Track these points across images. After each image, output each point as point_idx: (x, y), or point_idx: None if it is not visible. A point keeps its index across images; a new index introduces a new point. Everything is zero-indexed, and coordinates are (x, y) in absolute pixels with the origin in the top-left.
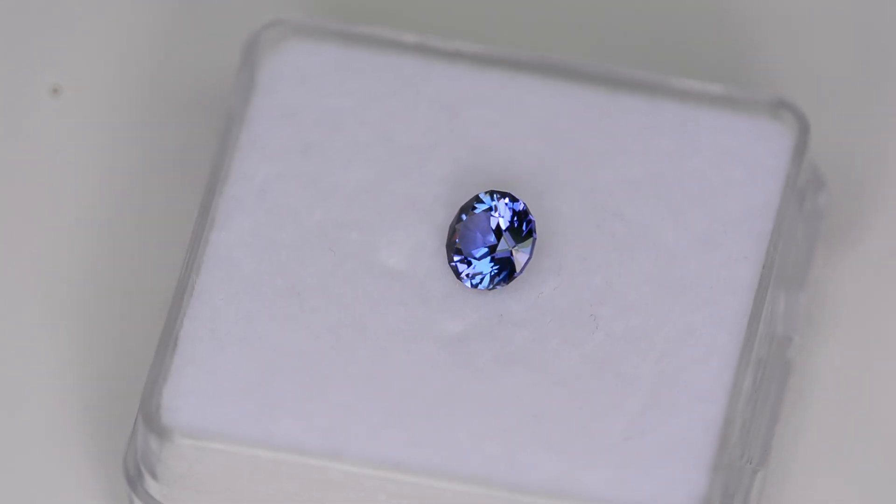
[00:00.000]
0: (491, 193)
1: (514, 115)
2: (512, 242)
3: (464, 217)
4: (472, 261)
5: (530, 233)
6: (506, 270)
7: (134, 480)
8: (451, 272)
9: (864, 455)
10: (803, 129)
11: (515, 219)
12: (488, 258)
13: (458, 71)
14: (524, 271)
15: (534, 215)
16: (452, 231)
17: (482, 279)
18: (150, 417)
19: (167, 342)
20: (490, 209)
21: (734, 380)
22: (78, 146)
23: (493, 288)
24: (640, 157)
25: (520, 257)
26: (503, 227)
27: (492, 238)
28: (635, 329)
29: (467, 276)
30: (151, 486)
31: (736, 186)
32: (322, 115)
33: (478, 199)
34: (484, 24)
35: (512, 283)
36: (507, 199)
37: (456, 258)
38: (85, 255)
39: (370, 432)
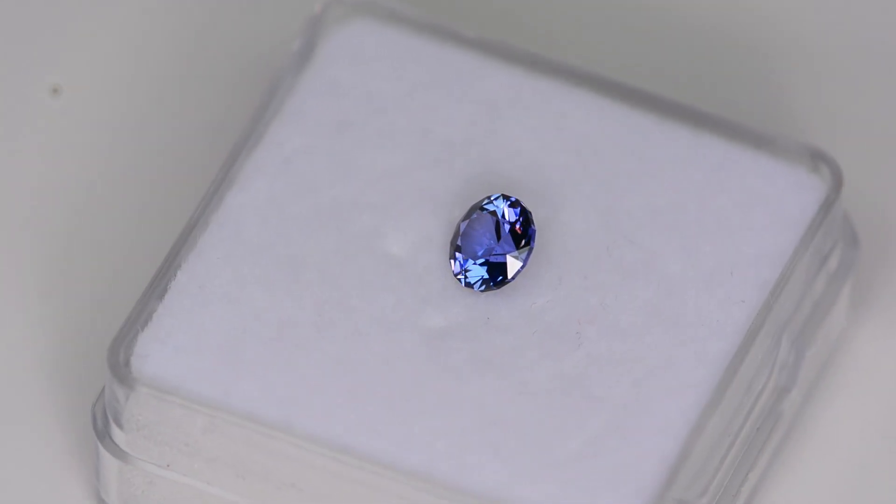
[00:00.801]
0: (501, 197)
1: (554, 125)
2: (509, 248)
3: (474, 216)
4: (469, 260)
5: (528, 241)
6: (499, 275)
7: (100, 428)
8: (450, 269)
9: None
10: (836, 184)
11: (518, 226)
12: (483, 260)
13: (510, 74)
14: (523, 279)
15: (544, 226)
16: (458, 229)
17: (475, 280)
18: (117, 363)
19: (153, 291)
20: (496, 212)
21: (699, 418)
22: (78, 146)
23: (484, 290)
24: (668, 186)
25: (514, 264)
26: (504, 232)
27: (491, 241)
28: (617, 353)
29: (462, 274)
30: (116, 433)
31: (756, 231)
32: (367, 96)
33: (488, 201)
34: (546, 35)
35: (508, 289)
36: (514, 205)
37: (456, 256)
38: (84, 255)
39: (325, 411)
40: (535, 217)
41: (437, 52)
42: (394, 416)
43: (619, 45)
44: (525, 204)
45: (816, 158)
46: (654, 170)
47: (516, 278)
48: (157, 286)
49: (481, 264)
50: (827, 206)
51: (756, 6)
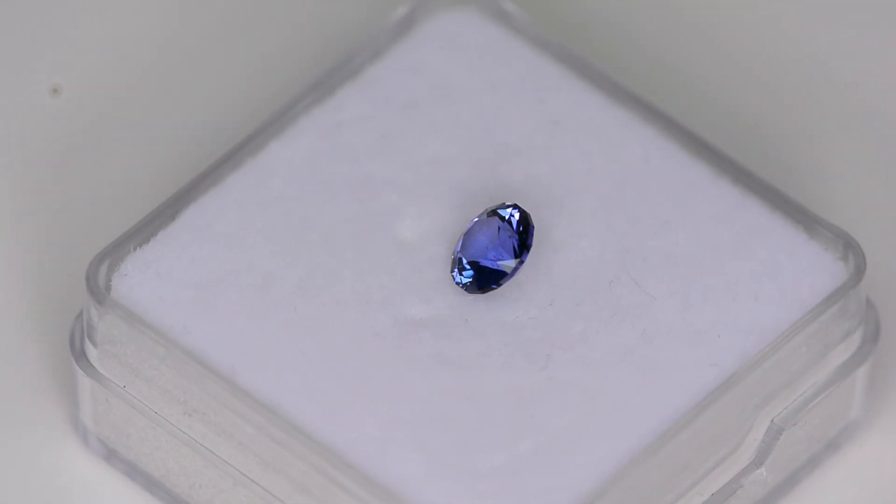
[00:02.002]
0: (514, 206)
1: (611, 155)
2: (504, 257)
3: (482, 218)
4: (465, 260)
5: (522, 254)
6: (486, 280)
7: (77, 346)
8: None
9: None
10: (857, 271)
11: (517, 237)
12: (476, 262)
13: (589, 95)
14: (517, 292)
15: (559, 248)
16: (469, 228)
17: (463, 280)
18: (96, 277)
19: (159, 216)
20: (505, 219)
21: (618, 470)
22: (78, 146)
23: (471, 291)
24: (695, 239)
25: (501, 273)
26: (503, 239)
27: (489, 246)
28: (576, 383)
29: (455, 272)
30: (89, 350)
31: (760, 302)
32: (441, 83)
33: (502, 206)
34: (638, 69)
35: (498, 298)
36: (523, 217)
37: (457, 253)
38: (86, 253)
39: (272, 369)
40: (553, 237)
41: (525, 57)
42: (337, 390)
43: (691, 87)
44: (543, 220)
45: (846, 245)
46: (690, 220)
47: (509, 289)
48: (166, 213)
49: (473, 266)
50: (843, 291)
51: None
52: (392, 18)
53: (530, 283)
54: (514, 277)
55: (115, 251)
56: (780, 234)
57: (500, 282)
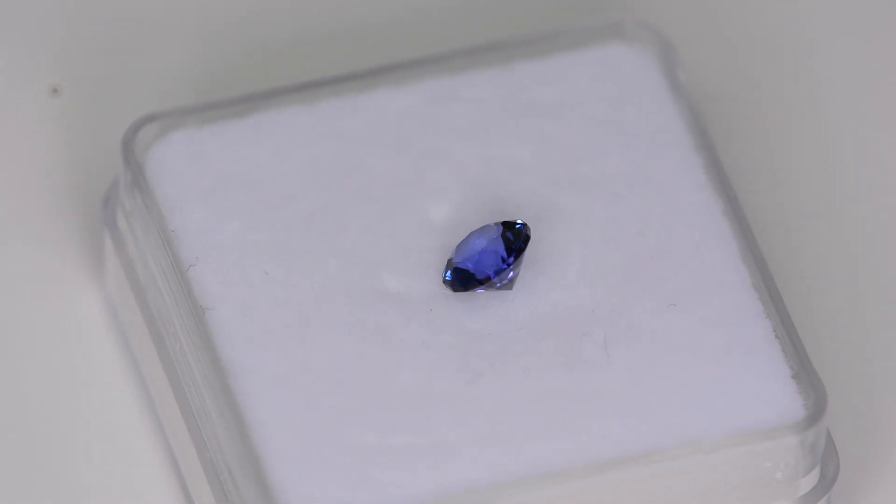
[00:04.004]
0: (523, 224)
1: (663, 223)
2: (487, 266)
3: (488, 225)
4: (455, 259)
5: (503, 272)
6: (460, 283)
7: (108, 213)
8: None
9: None
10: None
11: (508, 253)
12: (459, 263)
13: (686, 163)
14: (496, 307)
15: (556, 286)
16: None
17: (446, 277)
18: (133, 139)
19: (228, 105)
20: (504, 233)
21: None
22: (78, 146)
23: (451, 290)
24: (687, 332)
25: (475, 282)
26: (493, 249)
27: (480, 251)
28: (479, 406)
29: (446, 268)
30: (119, 217)
31: (706, 410)
32: (567, 99)
33: (513, 220)
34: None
35: (476, 304)
36: (523, 235)
37: (453, 255)
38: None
39: (227, 291)
40: (554, 267)
41: (657, 105)
42: (288, 342)
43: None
44: (552, 253)
45: (816, 393)
46: (695, 309)
47: (487, 301)
48: (226, 107)
49: (456, 266)
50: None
51: None
52: (584, 25)
53: (511, 301)
54: (500, 289)
55: (169, 119)
56: (769, 363)
57: (471, 289)
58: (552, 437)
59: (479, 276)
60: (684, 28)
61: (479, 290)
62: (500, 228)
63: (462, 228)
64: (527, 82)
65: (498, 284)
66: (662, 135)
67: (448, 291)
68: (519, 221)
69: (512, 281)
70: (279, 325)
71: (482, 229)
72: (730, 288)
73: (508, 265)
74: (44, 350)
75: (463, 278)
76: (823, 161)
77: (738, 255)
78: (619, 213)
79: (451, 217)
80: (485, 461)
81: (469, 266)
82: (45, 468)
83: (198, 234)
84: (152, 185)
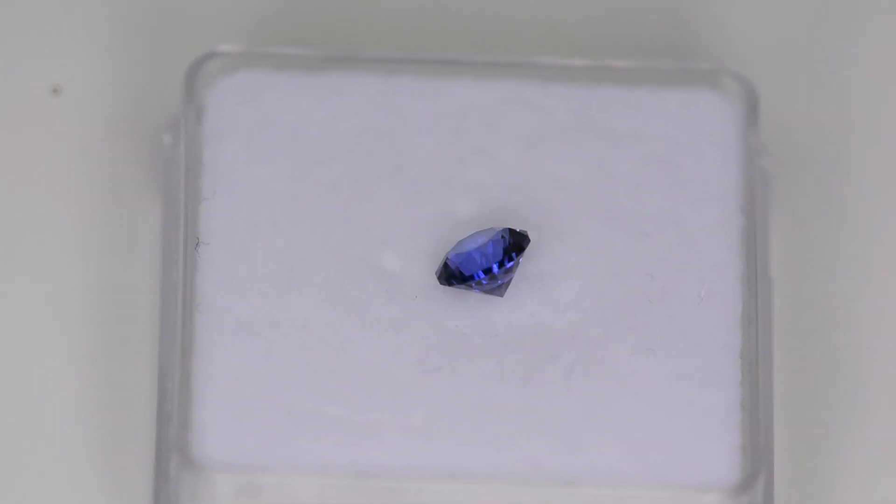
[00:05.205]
0: (525, 234)
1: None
2: (474, 265)
3: (492, 228)
4: (451, 254)
5: (493, 275)
6: (446, 278)
7: (168, 143)
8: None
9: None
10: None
11: (500, 258)
12: (449, 259)
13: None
14: (485, 308)
15: (551, 301)
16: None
17: (437, 269)
18: (197, 72)
19: (305, 60)
20: (503, 238)
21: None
22: (78, 146)
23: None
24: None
25: (457, 280)
26: (486, 251)
27: (474, 250)
28: (436, 397)
29: (440, 263)
30: (176, 144)
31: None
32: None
33: (516, 230)
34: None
35: (465, 302)
36: (520, 246)
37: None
38: (86, 256)
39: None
40: (551, 282)
41: (715, 168)
42: (250, 277)
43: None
44: (555, 273)
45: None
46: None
47: (474, 303)
48: (301, 58)
49: (446, 261)
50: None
51: None
52: (679, 65)
53: (499, 305)
54: (490, 294)
55: (241, 58)
56: (721, 429)
57: (464, 286)
58: (478, 444)
59: (466, 274)
60: (782, 83)
61: (474, 291)
62: (501, 232)
63: (482, 228)
64: (602, 105)
65: (487, 287)
66: (712, 187)
67: (438, 285)
68: (520, 229)
69: (502, 287)
70: (265, 274)
71: (484, 231)
72: (715, 349)
73: (498, 269)
74: (105, 268)
75: (449, 274)
76: (868, 260)
77: (737, 320)
78: (638, 250)
79: (476, 215)
80: (404, 452)
81: (456, 263)
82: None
83: (225, 170)
84: (205, 114)
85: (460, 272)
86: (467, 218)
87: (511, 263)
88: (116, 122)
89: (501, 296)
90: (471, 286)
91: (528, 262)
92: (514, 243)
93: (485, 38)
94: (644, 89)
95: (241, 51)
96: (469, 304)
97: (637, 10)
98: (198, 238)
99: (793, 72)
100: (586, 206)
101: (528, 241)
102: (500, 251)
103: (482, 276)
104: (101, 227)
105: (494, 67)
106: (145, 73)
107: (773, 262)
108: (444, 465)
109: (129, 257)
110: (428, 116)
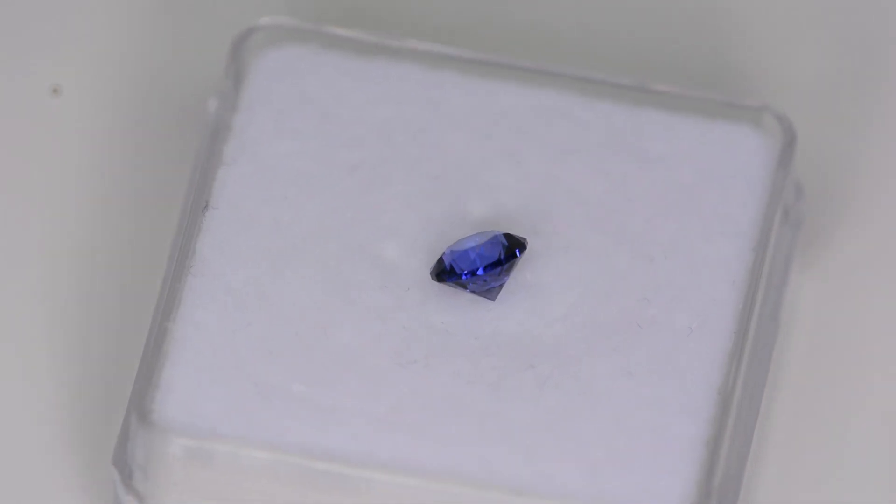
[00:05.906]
0: (524, 242)
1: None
2: (470, 264)
3: (493, 230)
4: (448, 251)
5: (486, 278)
6: (437, 274)
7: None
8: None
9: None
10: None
11: (494, 263)
12: (444, 256)
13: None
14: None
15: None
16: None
17: (433, 264)
18: (244, 43)
19: (355, 42)
20: (500, 242)
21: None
22: (78, 146)
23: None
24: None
25: (447, 279)
26: (482, 253)
27: (471, 250)
28: (421, 392)
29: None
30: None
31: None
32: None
33: (514, 236)
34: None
35: (457, 308)
36: (514, 251)
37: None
38: (85, 256)
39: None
40: (549, 287)
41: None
42: (249, 246)
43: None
44: (552, 285)
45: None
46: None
47: (466, 303)
48: (365, 45)
49: (442, 257)
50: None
51: None
52: (726, 99)
53: (495, 307)
54: (482, 295)
55: (288, 32)
56: (681, 462)
57: (454, 283)
58: (436, 441)
59: (457, 271)
60: (822, 125)
61: (468, 291)
62: (499, 235)
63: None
64: (640, 126)
65: (480, 289)
66: (729, 223)
67: (433, 281)
68: (519, 236)
69: (494, 291)
70: (265, 247)
71: (484, 232)
72: (694, 381)
73: (487, 271)
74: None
75: (440, 271)
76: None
77: (724, 356)
78: (639, 273)
79: (488, 218)
80: (361, 439)
81: (450, 259)
82: None
83: (251, 140)
84: (245, 82)
85: (452, 269)
86: (479, 219)
87: (500, 269)
88: (116, 121)
89: (493, 299)
90: (465, 286)
91: (528, 271)
92: (510, 248)
93: (535, 45)
94: (683, 117)
95: (288, 25)
96: (459, 303)
97: (684, 39)
98: (207, 201)
99: (833, 115)
100: (599, 223)
101: (525, 247)
102: (495, 254)
103: (469, 275)
104: (101, 227)
105: (539, 75)
106: (196, 41)
107: (791, 305)
108: (399, 458)
109: (131, 257)
110: (462, 114)
